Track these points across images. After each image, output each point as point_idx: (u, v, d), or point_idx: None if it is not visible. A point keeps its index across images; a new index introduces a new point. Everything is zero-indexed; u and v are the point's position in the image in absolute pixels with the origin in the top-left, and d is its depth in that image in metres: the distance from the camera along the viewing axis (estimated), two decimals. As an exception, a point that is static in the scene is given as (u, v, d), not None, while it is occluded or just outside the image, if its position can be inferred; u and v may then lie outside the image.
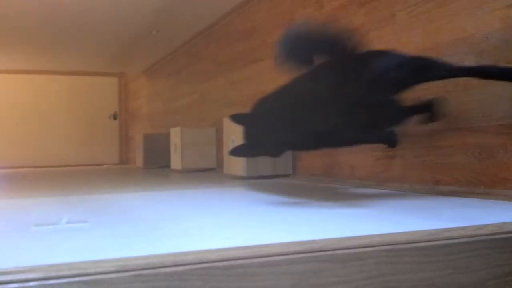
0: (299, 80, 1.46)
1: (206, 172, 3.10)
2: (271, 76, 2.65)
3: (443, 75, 1.43)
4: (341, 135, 1.44)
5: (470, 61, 1.46)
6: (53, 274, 0.64)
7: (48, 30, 3.61)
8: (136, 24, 3.46)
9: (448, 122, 1.53)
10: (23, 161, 5.20)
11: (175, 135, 3.24)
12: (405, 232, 0.86)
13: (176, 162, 3.25)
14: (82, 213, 1.30)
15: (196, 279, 0.69)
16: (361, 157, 1.92)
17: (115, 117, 5.73)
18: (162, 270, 0.68)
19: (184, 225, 1.07)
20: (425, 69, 1.36)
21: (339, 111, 1.32)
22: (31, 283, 0.63)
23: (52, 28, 3.53)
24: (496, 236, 0.87)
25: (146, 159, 3.99)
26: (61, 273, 0.64)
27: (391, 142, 1.61)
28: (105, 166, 5.16)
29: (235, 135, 2.41)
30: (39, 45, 4.14)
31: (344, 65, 1.33)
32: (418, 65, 1.35)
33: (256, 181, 2.26)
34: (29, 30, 3.58)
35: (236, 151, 1.65)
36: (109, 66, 5.20)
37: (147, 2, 2.93)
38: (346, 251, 0.79)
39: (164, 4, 2.98)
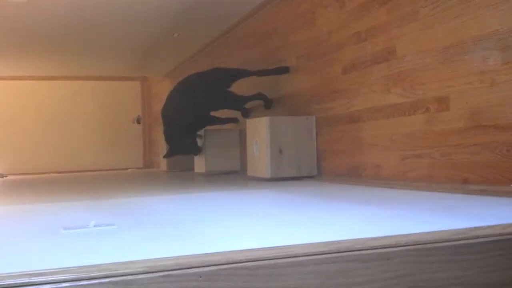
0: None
1: (230, 175, 3.11)
2: (294, 76, 2.65)
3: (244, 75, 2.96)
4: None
5: (495, 57, 1.44)
6: (83, 275, 0.65)
7: (70, 37, 3.67)
8: (157, 28, 3.50)
9: (475, 120, 1.51)
10: (48, 166, 5.29)
11: (199, 138, 3.26)
12: (432, 232, 0.85)
13: (199, 165, 3.27)
14: (110, 216, 1.32)
15: (223, 280, 0.70)
16: (387, 156, 1.91)
17: (138, 121, 5.78)
18: (190, 270, 0.68)
19: (211, 226, 1.08)
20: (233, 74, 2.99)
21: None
22: (63, 284, 0.64)
23: (75, 34, 3.59)
24: (526, 234, 0.86)
25: (170, 163, 4.02)
26: (91, 274, 0.65)
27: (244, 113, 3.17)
28: (129, 170, 5.22)
29: (258, 136, 2.42)
30: (62, 51, 4.21)
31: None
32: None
33: (281, 182, 2.26)
34: (52, 37, 3.65)
35: (167, 154, 3.06)
36: (131, 70, 5.26)
37: (168, 5, 2.96)
38: (373, 251, 0.78)
39: (185, 7, 3.00)
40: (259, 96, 2.94)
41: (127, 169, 5.36)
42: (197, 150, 3.12)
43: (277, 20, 2.82)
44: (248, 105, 3.11)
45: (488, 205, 1.23)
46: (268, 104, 2.91)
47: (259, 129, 2.41)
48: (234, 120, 3.30)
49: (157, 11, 3.07)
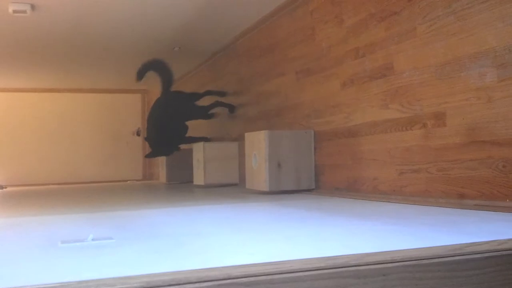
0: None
1: (229, 188, 3.12)
2: (293, 91, 2.66)
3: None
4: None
5: (492, 74, 1.45)
6: (81, 290, 0.65)
7: (72, 50, 3.70)
8: (158, 41, 3.52)
9: (472, 135, 1.52)
10: (48, 178, 5.30)
11: (198, 151, 3.27)
12: (429, 247, 0.86)
13: (199, 177, 3.28)
14: (108, 229, 1.32)
15: (220, 295, 0.70)
16: (385, 171, 1.92)
17: (138, 134, 5.80)
18: (188, 286, 0.69)
19: (208, 240, 1.08)
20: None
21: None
22: (61, 299, 0.64)
23: (76, 47, 3.62)
24: (522, 251, 0.86)
25: (169, 175, 4.02)
26: (89, 289, 0.66)
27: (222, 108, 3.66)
28: (129, 182, 5.22)
29: (257, 150, 2.43)
30: (63, 64, 4.24)
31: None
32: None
33: (280, 196, 2.27)
34: (54, 50, 3.68)
35: (148, 155, 3.64)
36: (132, 83, 5.27)
37: (169, 19, 2.99)
38: (369, 266, 0.79)
39: (186, 21, 3.03)
40: (218, 104, 3.59)
41: (126, 181, 5.37)
42: (175, 148, 3.76)
43: (278, 35, 2.84)
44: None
45: (484, 220, 1.23)
46: (231, 109, 3.53)
47: (257, 143, 2.42)
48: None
49: (158, 25, 3.10)
